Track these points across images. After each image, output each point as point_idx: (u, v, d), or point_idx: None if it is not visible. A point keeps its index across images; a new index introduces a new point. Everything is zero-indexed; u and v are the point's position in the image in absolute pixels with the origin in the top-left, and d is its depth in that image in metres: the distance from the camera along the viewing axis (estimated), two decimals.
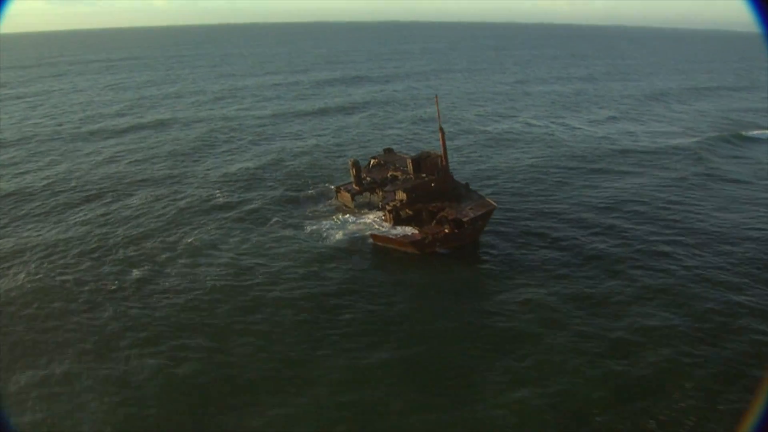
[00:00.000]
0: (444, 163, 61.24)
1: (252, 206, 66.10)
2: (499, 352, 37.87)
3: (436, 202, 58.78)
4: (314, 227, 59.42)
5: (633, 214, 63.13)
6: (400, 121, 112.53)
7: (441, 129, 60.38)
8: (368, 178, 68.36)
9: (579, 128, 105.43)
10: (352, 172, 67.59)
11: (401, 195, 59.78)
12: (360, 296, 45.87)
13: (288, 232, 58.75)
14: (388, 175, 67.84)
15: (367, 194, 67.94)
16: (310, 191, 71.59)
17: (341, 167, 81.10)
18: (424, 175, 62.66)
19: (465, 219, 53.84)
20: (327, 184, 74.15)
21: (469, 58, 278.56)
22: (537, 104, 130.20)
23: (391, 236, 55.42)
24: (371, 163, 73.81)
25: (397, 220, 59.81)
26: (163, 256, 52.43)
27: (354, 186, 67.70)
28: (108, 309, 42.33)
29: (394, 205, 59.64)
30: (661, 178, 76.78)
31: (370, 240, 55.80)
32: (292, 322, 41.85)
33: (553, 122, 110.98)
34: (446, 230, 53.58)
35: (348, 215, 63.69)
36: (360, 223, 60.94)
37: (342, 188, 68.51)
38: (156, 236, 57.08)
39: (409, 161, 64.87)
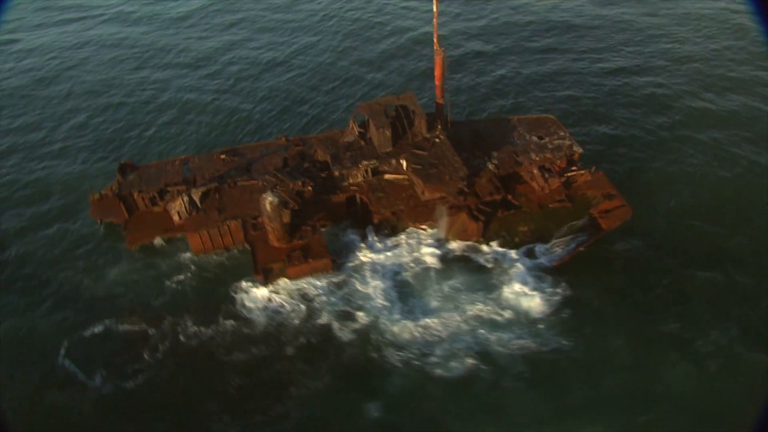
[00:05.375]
0: (440, 95, 36.46)
1: None
2: None
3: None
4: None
5: None
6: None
7: (439, 48, 34.22)
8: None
9: None
10: (281, 215, 31.90)
11: (457, 183, 33.62)
12: None
13: None
14: (303, 188, 35.01)
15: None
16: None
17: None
18: (429, 136, 36.19)
19: (577, 150, 36.77)
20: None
21: None
22: None
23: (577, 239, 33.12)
24: (191, 199, 35.25)
25: (486, 226, 34.69)
26: None
27: (277, 240, 32.92)
28: None
29: (470, 204, 33.59)
30: None
31: (554, 264, 31.82)
32: None
33: None
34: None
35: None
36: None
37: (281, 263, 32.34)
38: None
39: (385, 132, 35.00)
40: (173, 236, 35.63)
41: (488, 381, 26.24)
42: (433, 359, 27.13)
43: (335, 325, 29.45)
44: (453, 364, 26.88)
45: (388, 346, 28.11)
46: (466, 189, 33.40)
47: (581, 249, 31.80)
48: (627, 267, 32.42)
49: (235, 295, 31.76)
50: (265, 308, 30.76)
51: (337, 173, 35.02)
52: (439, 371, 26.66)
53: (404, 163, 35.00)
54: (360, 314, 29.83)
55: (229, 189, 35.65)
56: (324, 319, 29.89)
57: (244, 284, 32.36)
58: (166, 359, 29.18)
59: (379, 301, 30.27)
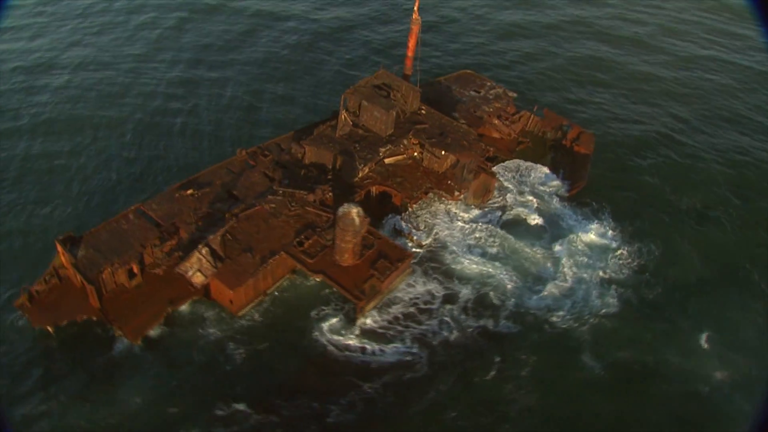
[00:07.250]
0: (409, 66, 34.40)
1: None
2: None
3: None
4: None
5: None
6: None
7: (417, 17, 31.89)
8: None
9: None
10: (363, 227, 26.78)
11: (479, 146, 32.98)
12: None
13: None
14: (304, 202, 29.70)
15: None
16: None
17: None
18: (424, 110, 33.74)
19: (511, 95, 39.34)
20: None
21: None
22: None
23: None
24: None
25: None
26: None
27: (352, 258, 27.69)
28: None
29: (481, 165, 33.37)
30: None
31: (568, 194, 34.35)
32: None
33: None
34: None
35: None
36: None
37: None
38: None
39: (392, 114, 31.06)
40: (177, 308, 25.64)
41: (635, 300, 28.10)
42: (593, 302, 27.53)
43: (488, 320, 26.67)
44: (608, 303, 27.74)
45: (547, 315, 27.05)
46: (490, 149, 33.34)
47: (584, 178, 35.46)
48: (612, 172, 36.99)
49: (335, 345, 25.23)
50: (398, 346, 25.44)
51: (363, 167, 30.37)
52: (604, 310, 27.24)
53: (411, 141, 32.51)
54: (496, 297, 27.58)
55: (237, 224, 27.28)
56: (469, 321, 26.61)
57: (327, 326, 25.95)
58: None
59: (502, 277, 28.40)
